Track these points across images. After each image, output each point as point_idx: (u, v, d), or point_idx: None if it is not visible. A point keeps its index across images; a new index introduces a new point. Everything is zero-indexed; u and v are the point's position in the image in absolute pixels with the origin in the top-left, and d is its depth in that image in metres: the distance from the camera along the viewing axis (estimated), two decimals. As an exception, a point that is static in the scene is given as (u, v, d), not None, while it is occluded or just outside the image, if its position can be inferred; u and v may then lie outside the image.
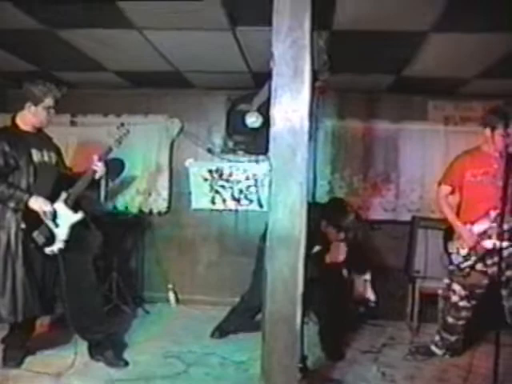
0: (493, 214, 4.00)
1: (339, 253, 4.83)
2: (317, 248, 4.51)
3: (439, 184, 4.46)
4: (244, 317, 5.05)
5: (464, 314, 4.33)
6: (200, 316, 5.86)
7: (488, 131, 4.14)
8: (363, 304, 5.58)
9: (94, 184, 4.21)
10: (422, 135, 6.07)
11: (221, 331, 5.12)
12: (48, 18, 4.06)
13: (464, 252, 4.19)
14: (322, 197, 5.56)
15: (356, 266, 5.58)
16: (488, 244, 4.07)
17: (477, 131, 4.47)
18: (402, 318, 5.78)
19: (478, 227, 4.12)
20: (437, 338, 4.58)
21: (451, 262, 4.32)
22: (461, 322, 4.37)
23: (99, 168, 4.09)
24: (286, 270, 2.92)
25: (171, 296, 6.36)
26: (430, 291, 5.16)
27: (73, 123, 6.43)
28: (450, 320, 4.41)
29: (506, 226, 3.80)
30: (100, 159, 4.11)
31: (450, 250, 4.31)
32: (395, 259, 5.93)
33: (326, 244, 4.75)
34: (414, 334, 5.37)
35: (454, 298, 4.33)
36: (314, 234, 3.77)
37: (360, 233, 5.11)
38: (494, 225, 3.98)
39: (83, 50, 4.87)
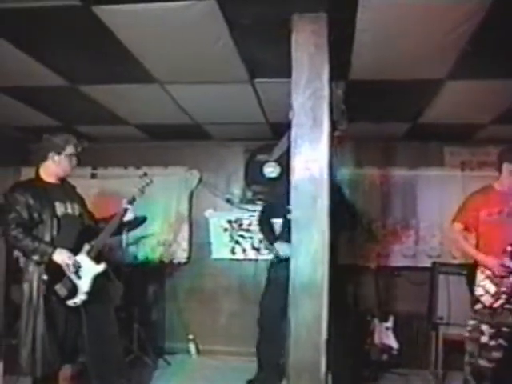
0: (509, 249, 3.98)
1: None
2: None
3: (452, 221, 4.47)
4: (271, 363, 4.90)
5: (495, 354, 4.18)
6: (222, 367, 5.80)
7: (507, 165, 4.21)
8: (386, 352, 5.50)
9: (116, 232, 4.28)
10: (439, 181, 6.09)
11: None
12: (71, 74, 4.19)
13: (492, 291, 4.10)
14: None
15: (378, 312, 5.55)
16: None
17: (494, 175, 4.48)
18: (426, 366, 5.67)
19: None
20: None
21: (484, 306, 4.16)
22: (492, 365, 4.22)
23: (130, 208, 4.20)
24: (310, 316, 2.90)
25: (192, 347, 6.31)
26: (455, 338, 5.05)
27: (93, 176, 6.58)
28: (482, 363, 4.20)
29: None
30: (129, 202, 4.21)
31: (478, 294, 4.21)
32: (417, 306, 5.87)
33: None
34: None
35: (484, 339, 4.15)
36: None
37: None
38: None
39: (104, 105, 5.00)
